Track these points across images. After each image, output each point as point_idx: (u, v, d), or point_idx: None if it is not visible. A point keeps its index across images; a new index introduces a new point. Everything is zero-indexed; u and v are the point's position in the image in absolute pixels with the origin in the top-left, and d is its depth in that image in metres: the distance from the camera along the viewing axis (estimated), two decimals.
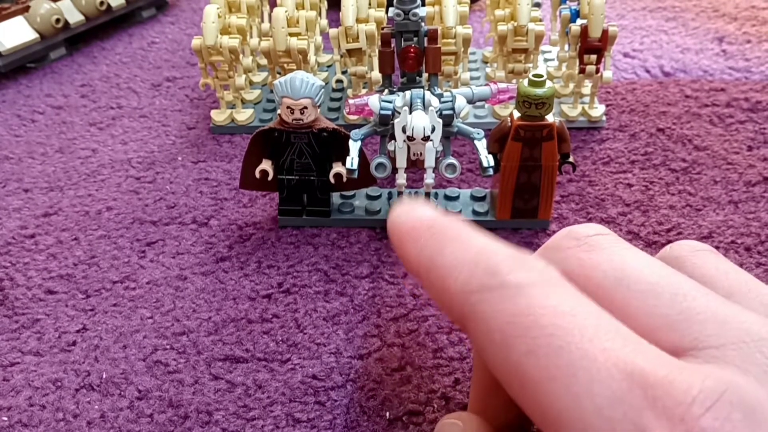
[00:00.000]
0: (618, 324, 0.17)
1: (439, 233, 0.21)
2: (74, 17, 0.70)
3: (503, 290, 0.18)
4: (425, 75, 0.46)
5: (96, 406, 0.33)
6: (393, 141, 0.40)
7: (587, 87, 0.55)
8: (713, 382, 0.14)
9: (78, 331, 0.38)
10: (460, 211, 0.44)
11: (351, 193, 0.46)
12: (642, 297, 0.18)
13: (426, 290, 0.21)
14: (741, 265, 0.39)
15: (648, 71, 0.62)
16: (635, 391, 0.15)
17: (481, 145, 0.40)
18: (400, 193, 0.43)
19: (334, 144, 0.42)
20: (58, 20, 0.67)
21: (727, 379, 0.15)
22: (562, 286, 0.18)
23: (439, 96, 0.41)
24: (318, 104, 0.41)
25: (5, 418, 0.33)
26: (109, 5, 0.73)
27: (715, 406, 0.14)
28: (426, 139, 0.39)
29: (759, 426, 0.14)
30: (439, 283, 0.20)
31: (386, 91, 0.43)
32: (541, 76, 0.39)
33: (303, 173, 0.43)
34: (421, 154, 0.40)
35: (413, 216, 0.22)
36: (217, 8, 0.51)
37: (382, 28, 0.45)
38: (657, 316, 0.17)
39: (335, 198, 0.45)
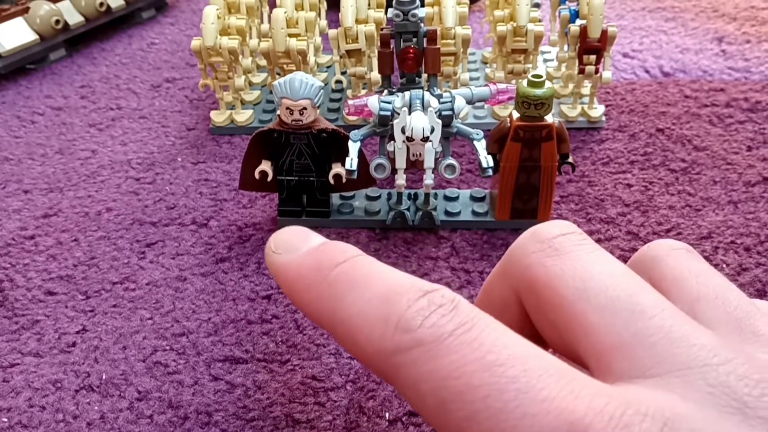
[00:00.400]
0: (548, 360, 0.16)
1: (333, 277, 0.19)
2: (74, 18, 0.70)
3: (422, 348, 0.16)
4: (424, 76, 0.46)
5: (96, 407, 0.33)
6: (392, 142, 0.40)
7: (587, 87, 0.55)
8: (651, 421, 0.15)
9: (78, 332, 0.38)
10: (459, 212, 0.44)
11: (350, 193, 0.46)
12: (600, 312, 0.18)
13: (335, 339, 0.19)
14: (740, 266, 0.39)
15: (647, 71, 0.62)
16: None
17: (481, 146, 0.40)
18: (399, 194, 0.43)
19: (334, 145, 0.42)
20: (57, 21, 0.67)
21: (666, 412, 0.15)
22: (479, 325, 0.17)
23: (439, 97, 0.41)
24: (317, 105, 0.41)
25: (5, 419, 0.33)
26: (108, 6, 0.73)
27: None
28: (425, 139, 0.39)
29: None
30: (350, 339, 0.18)
31: (385, 91, 0.43)
32: (541, 76, 0.39)
33: (302, 174, 0.43)
34: (420, 154, 0.40)
35: (295, 256, 0.20)
36: (217, 9, 0.51)
37: (382, 29, 0.45)
38: (612, 335, 0.17)
39: (335, 199, 0.45)
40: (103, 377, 0.35)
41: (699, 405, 0.15)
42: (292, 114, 0.40)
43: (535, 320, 0.20)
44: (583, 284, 0.18)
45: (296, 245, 0.20)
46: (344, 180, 0.42)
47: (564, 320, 0.18)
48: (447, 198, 0.46)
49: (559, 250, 0.19)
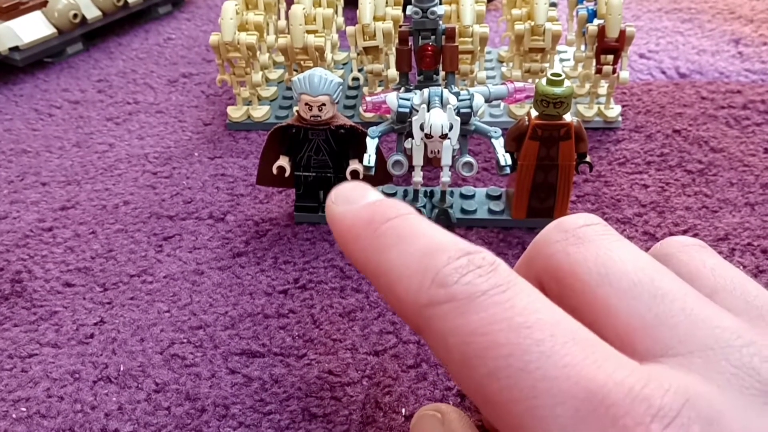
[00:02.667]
0: (576, 329, 0.16)
1: (382, 230, 0.19)
2: (91, 13, 0.70)
3: (455, 303, 0.17)
4: (442, 73, 0.46)
5: (113, 398, 0.33)
6: (410, 139, 0.40)
7: (603, 87, 0.54)
8: (672, 397, 0.15)
9: (95, 324, 0.38)
10: (476, 210, 0.44)
11: None
12: (622, 296, 0.18)
13: (377, 289, 0.20)
14: (757, 268, 0.39)
15: (664, 72, 0.62)
16: (598, 410, 0.15)
17: (499, 144, 0.40)
18: (415, 191, 0.43)
19: (352, 141, 0.42)
20: (75, 16, 0.68)
21: (689, 391, 0.15)
22: (512, 288, 0.17)
23: (457, 94, 0.41)
24: (336, 101, 0.41)
25: (24, 409, 0.33)
26: (126, 1, 0.73)
27: (673, 422, 0.14)
28: (444, 137, 0.39)
29: None
30: (389, 290, 0.19)
31: (403, 89, 0.44)
32: (560, 75, 0.39)
33: (320, 170, 0.43)
34: (438, 152, 0.40)
35: (353, 208, 0.20)
36: (235, 5, 0.52)
37: (400, 26, 0.45)
38: (634, 317, 0.17)
39: None
40: (121, 369, 0.35)
41: (721, 385, 0.15)
42: (310, 110, 0.41)
43: None
44: (605, 269, 0.18)
45: (354, 198, 0.21)
46: (361, 176, 0.42)
47: (586, 304, 0.18)
48: (463, 196, 0.46)
49: (582, 238, 0.20)
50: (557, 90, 0.38)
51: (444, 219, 0.43)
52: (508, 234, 0.43)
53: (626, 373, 0.15)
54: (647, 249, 0.40)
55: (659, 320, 0.17)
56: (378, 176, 0.43)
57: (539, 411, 0.15)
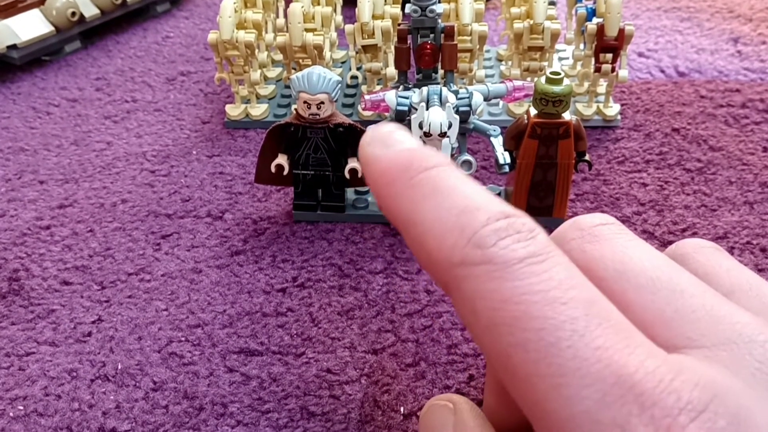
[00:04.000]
0: (611, 312, 0.16)
1: (419, 179, 0.18)
2: (89, 11, 0.70)
3: (489, 266, 0.16)
4: (440, 72, 0.46)
5: (111, 397, 0.33)
6: None
7: (602, 86, 0.54)
8: (701, 391, 0.14)
9: (93, 322, 0.38)
10: None
11: (365, 188, 0.46)
12: (640, 291, 0.18)
13: (405, 242, 0.19)
14: (756, 267, 0.39)
15: (663, 71, 0.62)
16: (626, 397, 0.14)
17: (498, 143, 0.40)
18: None
19: (350, 139, 0.42)
20: (73, 14, 0.68)
21: (716, 385, 0.15)
22: (551, 259, 0.17)
23: (456, 92, 0.41)
24: (334, 99, 0.41)
25: (21, 408, 0.33)
26: None
27: (701, 416, 0.14)
28: (442, 135, 0.39)
29: None
30: (419, 243, 0.18)
31: (401, 87, 0.43)
32: (559, 73, 0.38)
33: (318, 168, 0.43)
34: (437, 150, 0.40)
35: (389, 151, 0.20)
36: (234, 3, 0.52)
37: (399, 24, 0.45)
38: (653, 311, 0.17)
39: (350, 193, 0.46)
40: (119, 367, 0.35)
41: (748, 381, 0.15)
42: (309, 108, 0.41)
43: None
44: (622, 266, 0.18)
45: (391, 142, 0.20)
46: (360, 175, 0.42)
47: None
48: None
49: (598, 236, 0.19)
50: (556, 88, 0.38)
51: None
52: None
53: (657, 363, 0.15)
54: None
55: (679, 315, 0.17)
56: None
57: (564, 390, 0.15)
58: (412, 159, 0.19)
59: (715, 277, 0.19)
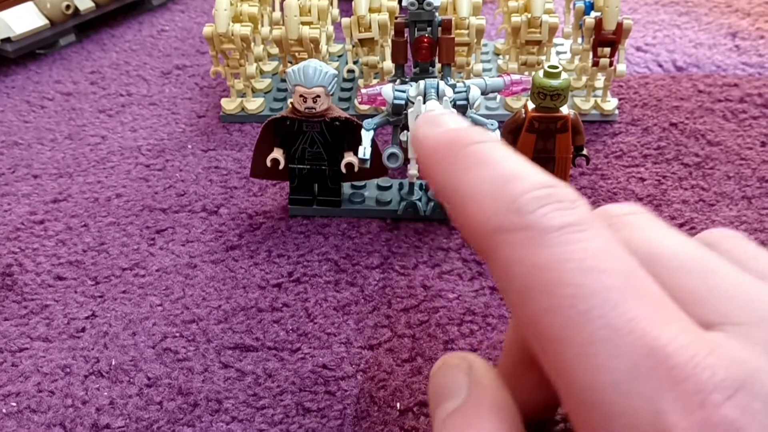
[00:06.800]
0: (649, 285, 0.16)
1: (464, 153, 0.19)
2: (84, 4, 0.70)
3: (526, 233, 0.16)
4: (438, 65, 0.46)
5: (105, 393, 0.33)
6: (405, 131, 0.40)
7: (600, 80, 0.54)
8: (736, 369, 0.14)
9: (87, 318, 0.37)
10: None
11: (362, 183, 0.46)
12: (673, 273, 0.17)
13: (449, 213, 0.20)
14: None
15: (661, 65, 0.61)
16: (657, 370, 0.14)
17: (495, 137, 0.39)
18: (411, 184, 0.43)
19: (347, 133, 0.42)
20: (68, 7, 0.67)
21: (751, 364, 0.14)
22: (591, 230, 0.16)
23: (453, 86, 0.40)
24: (331, 93, 0.41)
25: (14, 404, 0.33)
26: None
27: (736, 395, 0.14)
28: None
29: None
30: (461, 212, 0.18)
31: (398, 81, 0.43)
32: (557, 67, 0.38)
33: (314, 162, 0.43)
34: None
35: (437, 131, 0.20)
36: None
37: (396, 18, 0.44)
38: (686, 292, 0.17)
39: (346, 188, 0.45)
40: (113, 363, 0.34)
41: None
42: (305, 101, 0.40)
43: None
44: (653, 250, 0.18)
45: (441, 122, 0.20)
46: (356, 169, 0.42)
47: None
48: None
49: (627, 224, 0.19)
50: (554, 82, 0.38)
51: (440, 212, 0.43)
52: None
53: (692, 338, 0.15)
54: None
55: (714, 293, 0.16)
56: (373, 169, 0.42)
57: (593, 359, 0.15)
58: (459, 135, 0.19)
59: (744, 263, 0.19)
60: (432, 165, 0.20)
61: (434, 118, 0.21)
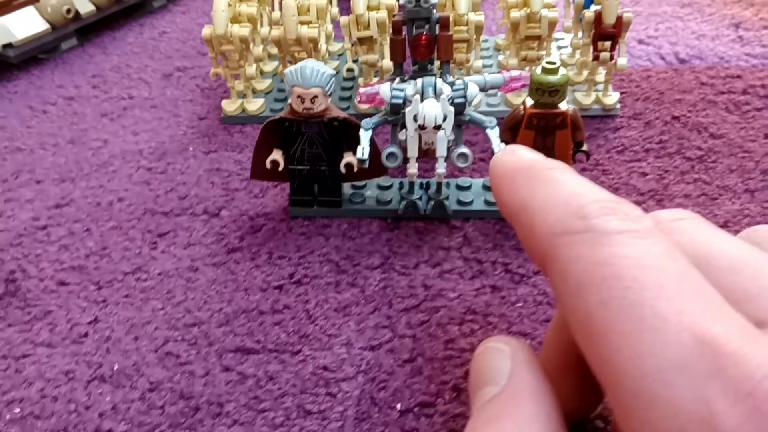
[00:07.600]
0: (703, 285, 0.16)
1: (536, 175, 0.20)
2: (85, 7, 0.70)
3: (588, 235, 0.17)
4: (437, 63, 0.45)
5: (108, 398, 0.33)
6: (404, 130, 0.40)
7: (601, 74, 0.54)
8: None
9: (90, 323, 0.38)
10: (472, 201, 0.44)
11: (362, 183, 0.46)
12: (723, 273, 0.17)
13: (516, 233, 0.21)
14: None
15: (663, 58, 0.61)
16: (705, 359, 0.14)
17: (494, 134, 0.39)
18: (411, 183, 0.43)
19: (345, 133, 0.42)
20: (69, 11, 0.67)
21: None
22: (652, 237, 0.17)
23: (451, 84, 0.40)
24: (329, 93, 0.41)
25: (17, 410, 0.33)
26: None
27: None
28: (437, 128, 0.38)
29: None
30: (528, 224, 0.19)
31: (397, 79, 0.43)
32: (555, 63, 0.38)
33: (314, 163, 0.43)
34: (432, 143, 0.40)
35: (513, 158, 0.22)
36: None
37: (394, 16, 0.44)
38: (737, 291, 0.17)
39: (346, 188, 0.45)
40: (115, 368, 0.35)
41: None
42: (303, 102, 0.40)
43: None
44: (703, 251, 0.18)
45: (518, 151, 0.22)
46: (356, 169, 0.42)
47: None
48: (459, 187, 0.45)
49: (677, 229, 0.19)
50: (552, 78, 0.38)
51: (440, 211, 0.43)
52: (505, 225, 0.43)
53: (742, 331, 0.15)
54: None
55: (765, 291, 0.17)
56: (372, 169, 0.42)
57: (639, 347, 0.15)
58: (535, 160, 0.21)
59: None
60: (505, 184, 0.21)
61: (512, 149, 0.22)
